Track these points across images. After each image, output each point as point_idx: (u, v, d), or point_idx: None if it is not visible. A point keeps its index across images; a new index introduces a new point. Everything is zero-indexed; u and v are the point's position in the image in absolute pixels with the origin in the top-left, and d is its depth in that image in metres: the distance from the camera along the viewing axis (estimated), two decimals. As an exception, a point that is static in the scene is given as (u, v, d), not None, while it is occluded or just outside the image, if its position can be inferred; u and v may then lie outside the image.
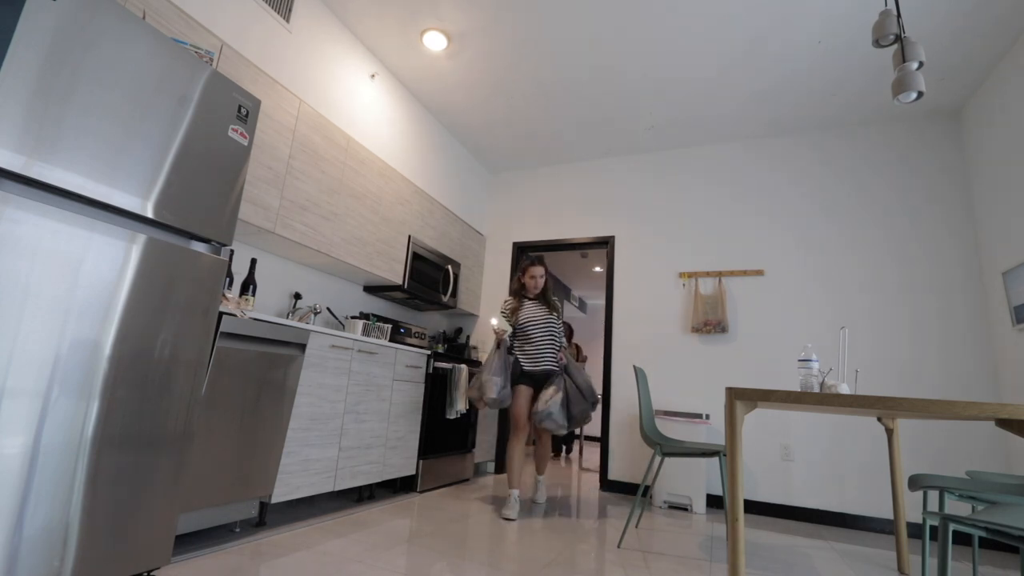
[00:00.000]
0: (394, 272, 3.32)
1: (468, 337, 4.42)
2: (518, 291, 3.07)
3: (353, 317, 3.16)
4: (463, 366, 3.43)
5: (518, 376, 2.94)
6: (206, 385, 1.77)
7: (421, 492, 3.07)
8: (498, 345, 2.94)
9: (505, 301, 3.09)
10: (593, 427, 7.30)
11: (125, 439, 1.37)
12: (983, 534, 1.14)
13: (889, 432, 2.28)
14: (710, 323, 3.63)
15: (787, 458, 3.29)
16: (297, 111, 2.61)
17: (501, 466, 4.09)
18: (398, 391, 2.92)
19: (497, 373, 2.84)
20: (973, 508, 1.97)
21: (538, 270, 3.02)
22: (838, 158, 3.64)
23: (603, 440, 3.88)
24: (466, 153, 4.50)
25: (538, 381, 2.93)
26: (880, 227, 3.43)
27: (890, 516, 3.00)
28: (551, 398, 2.78)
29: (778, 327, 3.51)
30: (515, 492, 2.72)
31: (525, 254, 3.05)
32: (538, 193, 4.65)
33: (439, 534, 2.23)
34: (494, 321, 2.96)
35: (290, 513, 2.38)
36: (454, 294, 3.94)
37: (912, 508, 2.91)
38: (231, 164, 1.71)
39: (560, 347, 3.03)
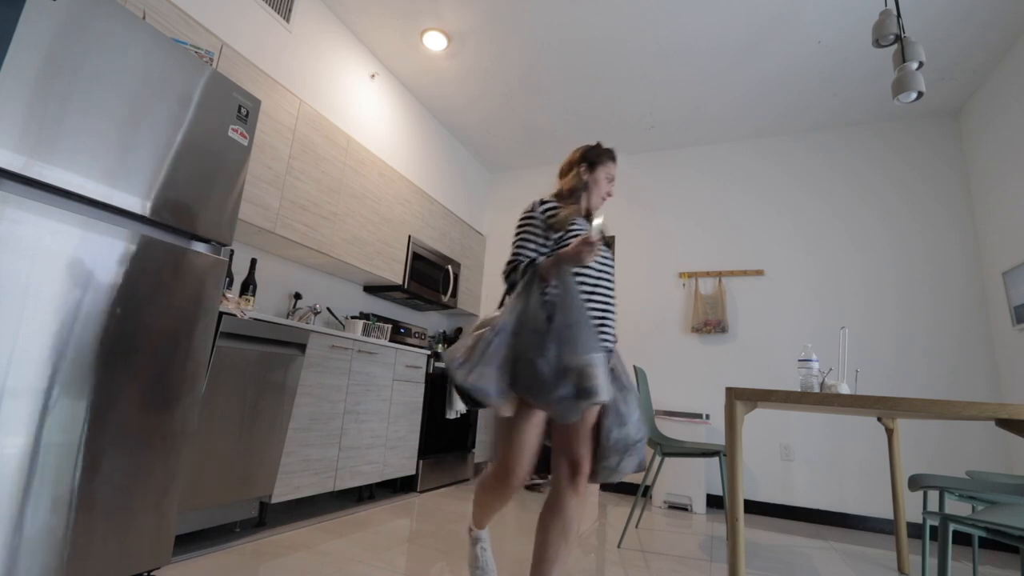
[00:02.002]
0: (394, 272, 3.32)
1: (468, 337, 4.41)
2: (568, 199, 1.60)
3: (353, 317, 3.16)
4: (463, 366, 3.43)
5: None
6: (206, 385, 1.77)
7: (421, 492, 3.07)
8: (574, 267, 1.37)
9: (546, 203, 1.55)
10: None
11: (125, 439, 1.37)
12: (983, 534, 1.14)
13: (889, 432, 2.28)
14: (710, 323, 3.63)
15: (787, 458, 3.29)
16: (297, 111, 2.61)
17: (501, 466, 4.09)
18: (398, 391, 2.91)
19: (594, 345, 1.30)
20: (973, 508, 1.97)
21: (615, 171, 1.68)
22: (838, 158, 3.64)
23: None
24: (466, 153, 4.51)
25: None
26: (880, 226, 3.43)
27: (890, 516, 3.00)
28: (632, 412, 1.43)
29: (778, 327, 3.51)
30: (482, 533, 1.56)
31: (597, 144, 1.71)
32: (538, 192, 4.59)
33: (439, 534, 2.23)
34: (599, 220, 1.44)
35: (290, 513, 2.38)
36: (454, 294, 3.94)
37: (912, 508, 2.91)
38: (231, 164, 1.71)
39: None
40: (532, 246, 1.46)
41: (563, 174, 1.69)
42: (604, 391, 1.27)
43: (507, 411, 1.28)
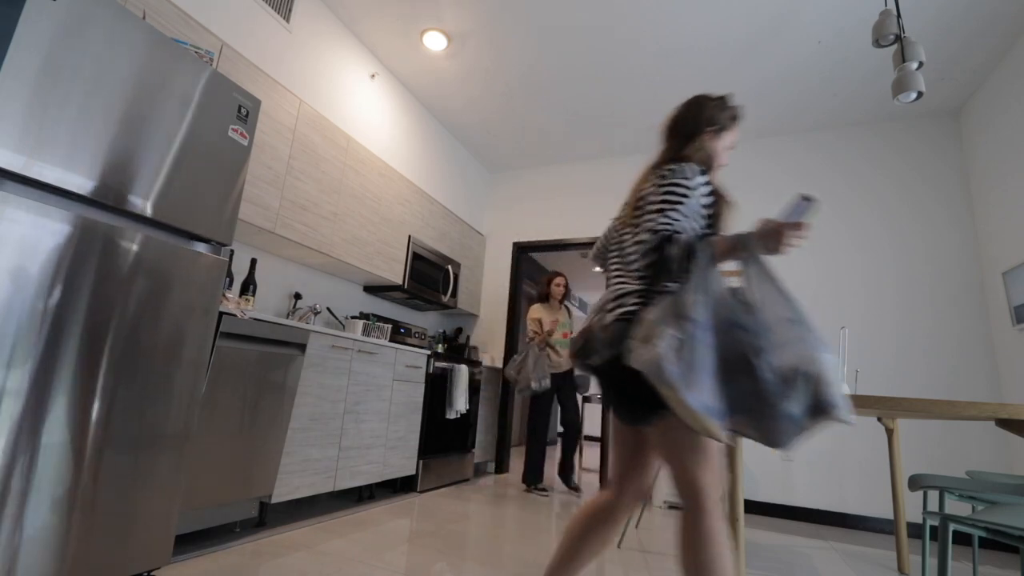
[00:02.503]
0: (394, 272, 3.32)
1: (468, 337, 4.42)
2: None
3: (353, 317, 3.16)
4: (463, 366, 3.43)
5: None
6: (206, 385, 1.77)
7: (421, 492, 3.07)
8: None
9: (704, 175, 1.20)
10: (593, 427, 7.30)
11: (125, 439, 1.37)
12: (983, 534, 1.14)
13: (889, 432, 2.28)
14: (710, 323, 3.63)
15: (787, 458, 3.29)
16: (297, 111, 2.61)
17: (501, 466, 4.09)
18: (398, 391, 2.91)
19: (822, 343, 1.04)
20: (973, 508, 1.97)
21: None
22: (838, 158, 3.64)
23: (603, 440, 3.88)
24: (466, 153, 4.51)
25: None
26: (880, 226, 3.43)
27: (890, 516, 3.00)
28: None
29: (778, 327, 3.50)
30: None
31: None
32: (538, 193, 4.65)
33: (439, 534, 2.23)
34: (810, 201, 1.02)
35: (290, 513, 2.38)
36: (454, 294, 3.94)
37: (912, 508, 2.91)
38: (231, 164, 1.71)
39: None
40: (687, 222, 1.13)
41: (677, 134, 1.32)
42: (846, 405, 0.96)
43: (725, 437, 0.93)
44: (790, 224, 1.00)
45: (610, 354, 1.10)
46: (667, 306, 1.02)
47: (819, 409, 0.93)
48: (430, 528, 2.32)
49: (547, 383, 3.35)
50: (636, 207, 1.20)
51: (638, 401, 1.03)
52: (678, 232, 1.08)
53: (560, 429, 3.62)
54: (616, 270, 1.26)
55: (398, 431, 2.90)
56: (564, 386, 3.55)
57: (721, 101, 1.34)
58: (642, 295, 1.13)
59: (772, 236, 1.01)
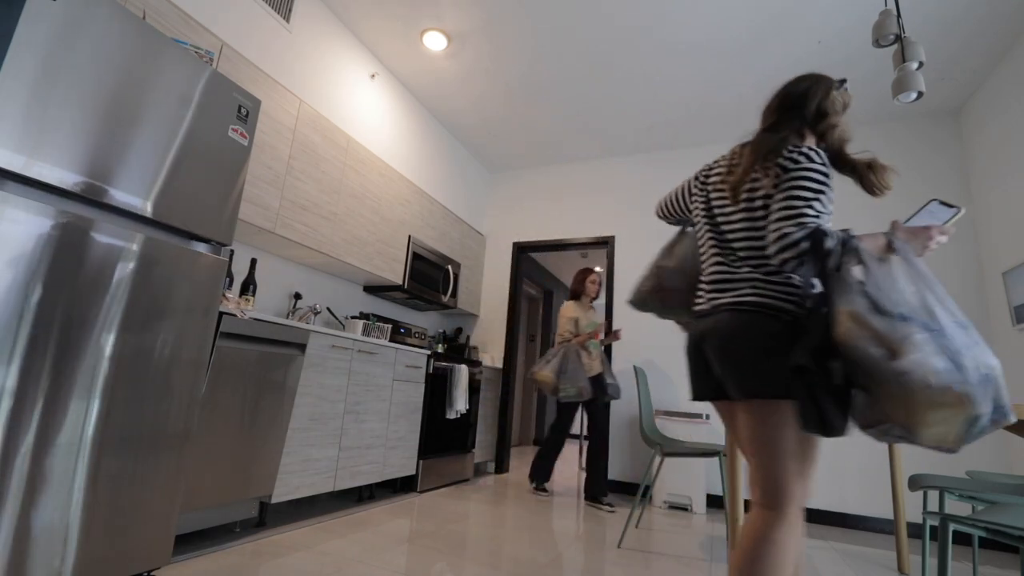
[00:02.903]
0: (394, 272, 3.32)
1: (468, 337, 4.42)
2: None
3: (353, 317, 3.16)
4: (463, 366, 3.43)
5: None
6: (206, 385, 1.77)
7: (421, 492, 3.07)
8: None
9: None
10: (593, 427, 7.28)
11: (125, 439, 1.37)
12: (983, 534, 1.14)
13: (889, 432, 2.28)
14: (710, 323, 3.62)
15: (787, 458, 3.28)
16: (297, 111, 2.61)
17: (501, 466, 4.09)
18: (398, 391, 2.91)
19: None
20: (973, 508, 1.97)
21: None
22: (838, 158, 3.64)
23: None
24: (466, 153, 4.51)
25: None
26: (879, 227, 3.43)
27: (890, 516, 3.00)
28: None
29: (778, 327, 3.50)
30: None
31: None
32: (538, 193, 4.65)
33: (439, 534, 2.23)
34: (959, 209, 1.17)
35: (290, 513, 2.38)
36: (454, 294, 3.94)
37: (912, 508, 2.91)
38: (231, 164, 1.71)
39: None
40: (826, 216, 1.05)
41: (797, 109, 1.24)
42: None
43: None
44: (938, 228, 1.02)
45: (810, 359, 0.97)
46: (857, 301, 0.92)
47: (999, 414, 0.88)
48: (430, 528, 2.32)
49: (590, 389, 3.13)
50: (771, 185, 1.08)
51: (830, 412, 0.93)
52: (819, 224, 0.99)
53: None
54: (713, 248, 1.19)
55: (398, 431, 2.90)
56: (595, 391, 3.28)
57: (841, 83, 1.27)
58: (756, 286, 1.08)
59: (920, 237, 1.01)
